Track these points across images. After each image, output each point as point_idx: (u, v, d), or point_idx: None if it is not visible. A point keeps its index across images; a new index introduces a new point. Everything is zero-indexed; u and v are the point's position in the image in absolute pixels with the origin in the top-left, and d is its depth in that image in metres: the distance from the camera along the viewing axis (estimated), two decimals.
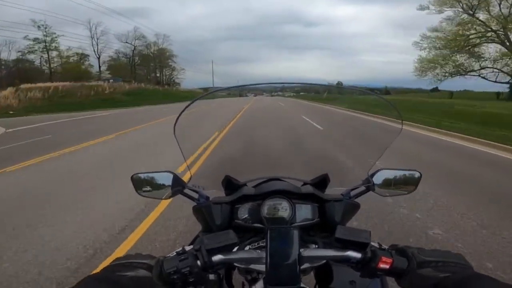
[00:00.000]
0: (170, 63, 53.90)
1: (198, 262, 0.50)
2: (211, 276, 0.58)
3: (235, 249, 0.55)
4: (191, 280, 0.49)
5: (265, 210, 0.67)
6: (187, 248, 0.53)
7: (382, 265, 0.49)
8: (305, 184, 0.79)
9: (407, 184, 0.74)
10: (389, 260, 0.49)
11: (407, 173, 0.74)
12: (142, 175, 0.73)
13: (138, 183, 0.74)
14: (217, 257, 0.51)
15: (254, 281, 0.67)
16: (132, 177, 0.74)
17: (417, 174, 0.73)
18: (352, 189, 0.75)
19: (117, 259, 0.51)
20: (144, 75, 48.49)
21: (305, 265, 0.56)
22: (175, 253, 0.51)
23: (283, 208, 0.67)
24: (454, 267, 0.46)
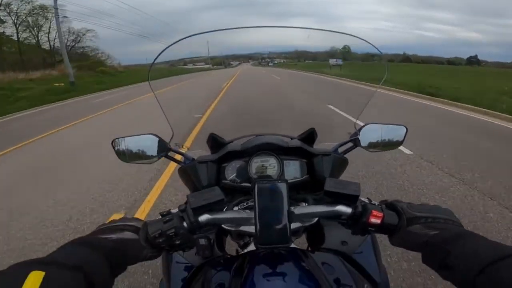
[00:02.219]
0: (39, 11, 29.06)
1: (184, 223, 0.53)
2: (202, 241, 0.60)
3: (224, 209, 0.60)
4: (177, 242, 0.52)
5: (252, 168, 0.73)
6: (174, 210, 0.56)
7: (373, 220, 0.53)
8: (292, 139, 0.84)
9: (394, 138, 0.80)
10: (380, 215, 0.53)
11: (393, 127, 0.80)
12: (123, 139, 0.76)
13: (120, 148, 0.76)
14: (204, 217, 0.54)
15: (247, 246, 0.71)
16: (113, 142, 0.76)
17: (403, 129, 0.81)
18: (340, 145, 0.81)
19: (103, 224, 0.54)
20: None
21: (296, 225, 0.62)
22: (160, 216, 0.54)
23: (271, 165, 0.73)
24: (444, 224, 0.50)
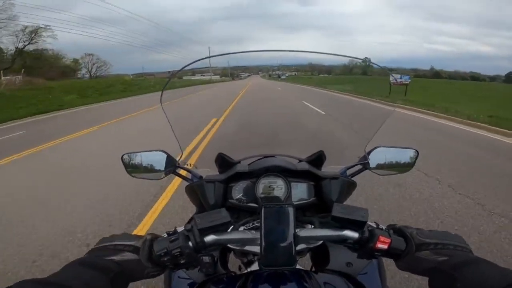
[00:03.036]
0: None
1: (190, 243, 0.56)
2: (205, 259, 0.62)
3: (229, 229, 0.63)
4: (182, 261, 0.55)
5: (259, 188, 0.76)
6: (179, 229, 0.60)
7: (380, 245, 0.55)
8: (300, 161, 0.88)
9: (404, 161, 0.84)
10: (388, 240, 0.55)
11: (403, 150, 0.85)
12: (133, 155, 0.82)
13: (129, 163, 0.82)
14: (209, 238, 0.58)
15: (250, 264, 0.75)
16: (122, 157, 0.82)
17: (414, 152, 0.84)
18: (349, 168, 0.86)
19: (103, 239, 0.57)
20: None
21: (301, 246, 0.64)
22: (166, 234, 0.58)
23: (278, 187, 0.76)
24: (453, 250, 0.53)
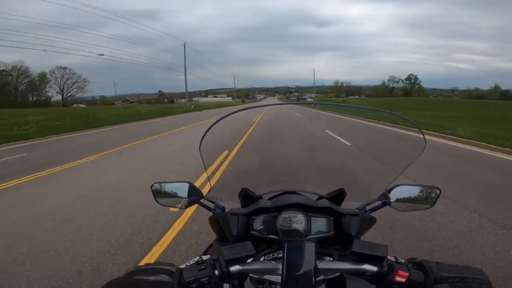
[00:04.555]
0: None
1: (216, 272, 0.66)
2: (226, 286, 0.71)
3: (250, 259, 0.73)
4: None
5: (280, 222, 0.84)
6: (205, 257, 0.71)
7: (398, 279, 0.63)
8: (321, 198, 0.98)
9: (426, 199, 0.94)
10: (406, 274, 0.63)
11: (425, 189, 0.94)
12: (161, 184, 0.98)
13: (158, 192, 0.98)
14: (234, 268, 0.68)
15: None
16: (152, 186, 0.99)
17: (436, 190, 0.93)
18: (368, 204, 0.95)
19: (138, 266, 0.67)
20: None
21: (319, 277, 0.71)
22: (194, 262, 0.69)
23: (299, 221, 0.83)
24: (472, 283, 0.59)
